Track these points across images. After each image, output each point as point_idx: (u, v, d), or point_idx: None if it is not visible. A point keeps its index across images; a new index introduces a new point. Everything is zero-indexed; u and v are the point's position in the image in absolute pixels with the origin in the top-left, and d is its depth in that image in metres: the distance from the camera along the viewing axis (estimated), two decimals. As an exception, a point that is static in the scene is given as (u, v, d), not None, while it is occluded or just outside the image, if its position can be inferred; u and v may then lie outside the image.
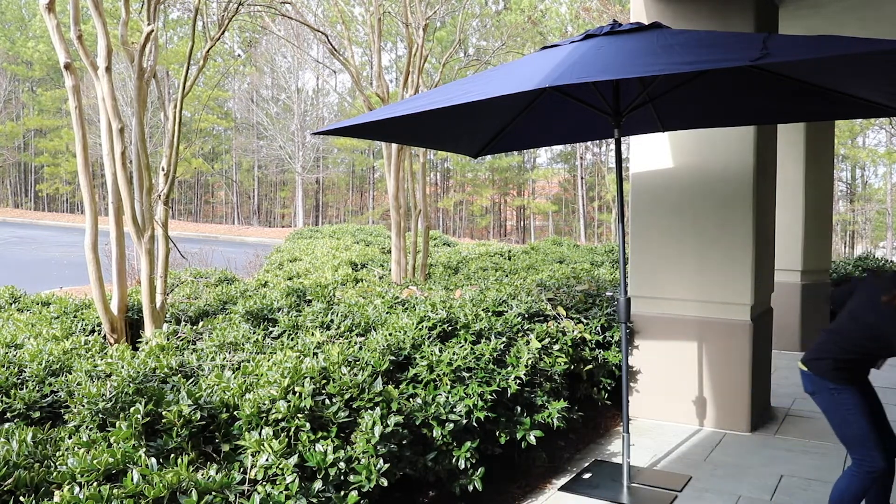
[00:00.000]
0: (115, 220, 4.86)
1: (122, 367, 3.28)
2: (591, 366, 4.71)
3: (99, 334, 4.86)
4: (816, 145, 7.12)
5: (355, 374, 3.25)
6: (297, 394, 3.01)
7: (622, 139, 3.88)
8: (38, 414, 3.36)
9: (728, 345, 4.75)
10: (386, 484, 2.88)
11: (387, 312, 4.73)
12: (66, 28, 4.60)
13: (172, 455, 2.70)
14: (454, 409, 3.44)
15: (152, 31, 4.90)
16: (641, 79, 3.75)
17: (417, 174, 9.42)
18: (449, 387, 3.56)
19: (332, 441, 2.91)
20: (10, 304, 6.05)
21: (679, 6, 4.79)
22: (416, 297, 5.27)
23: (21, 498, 2.36)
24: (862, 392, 2.95)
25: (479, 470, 3.40)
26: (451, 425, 3.37)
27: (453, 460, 3.37)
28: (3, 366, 3.64)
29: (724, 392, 4.78)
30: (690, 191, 4.86)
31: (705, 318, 4.84)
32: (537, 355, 4.15)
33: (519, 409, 3.83)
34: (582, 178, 36.83)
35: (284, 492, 2.62)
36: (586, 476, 4.01)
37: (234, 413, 3.00)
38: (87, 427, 2.97)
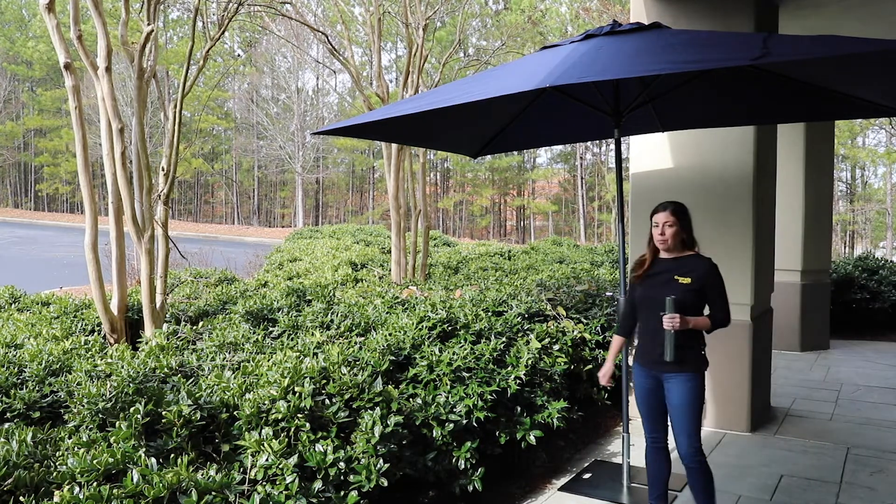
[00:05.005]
0: (115, 220, 4.86)
1: (122, 367, 3.28)
2: (591, 366, 4.71)
3: (99, 334, 4.87)
4: (816, 145, 7.12)
5: (355, 374, 3.25)
6: (297, 394, 3.02)
7: (622, 139, 3.88)
8: (38, 414, 3.36)
9: (728, 345, 4.75)
10: (386, 484, 2.88)
11: (387, 312, 4.73)
12: (66, 28, 4.60)
13: (172, 455, 2.70)
14: (454, 410, 3.43)
15: (152, 31, 4.90)
16: (641, 79, 3.75)
17: (417, 174, 9.42)
18: (449, 387, 3.56)
19: (332, 441, 2.91)
20: (10, 304, 6.06)
21: (679, 6, 4.79)
22: (416, 297, 5.27)
23: (21, 498, 2.36)
24: None
25: (479, 470, 3.39)
26: (451, 425, 3.37)
27: (453, 460, 3.37)
28: (3, 366, 3.65)
29: (724, 392, 4.78)
30: (690, 191, 4.86)
31: (705, 318, 4.83)
32: (537, 355, 4.15)
33: (519, 409, 3.83)
34: (582, 178, 36.83)
35: (284, 492, 2.62)
36: (586, 476, 4.01)
37: (234, 413, 3.00)
38: (87, 427, 2.98)
